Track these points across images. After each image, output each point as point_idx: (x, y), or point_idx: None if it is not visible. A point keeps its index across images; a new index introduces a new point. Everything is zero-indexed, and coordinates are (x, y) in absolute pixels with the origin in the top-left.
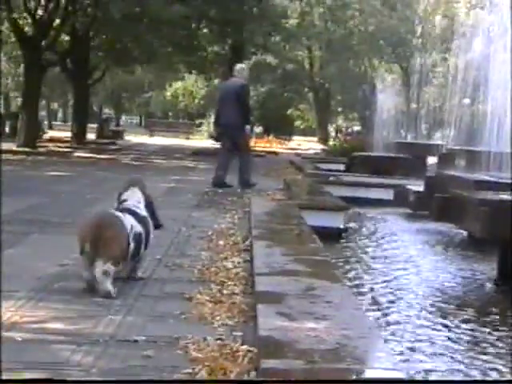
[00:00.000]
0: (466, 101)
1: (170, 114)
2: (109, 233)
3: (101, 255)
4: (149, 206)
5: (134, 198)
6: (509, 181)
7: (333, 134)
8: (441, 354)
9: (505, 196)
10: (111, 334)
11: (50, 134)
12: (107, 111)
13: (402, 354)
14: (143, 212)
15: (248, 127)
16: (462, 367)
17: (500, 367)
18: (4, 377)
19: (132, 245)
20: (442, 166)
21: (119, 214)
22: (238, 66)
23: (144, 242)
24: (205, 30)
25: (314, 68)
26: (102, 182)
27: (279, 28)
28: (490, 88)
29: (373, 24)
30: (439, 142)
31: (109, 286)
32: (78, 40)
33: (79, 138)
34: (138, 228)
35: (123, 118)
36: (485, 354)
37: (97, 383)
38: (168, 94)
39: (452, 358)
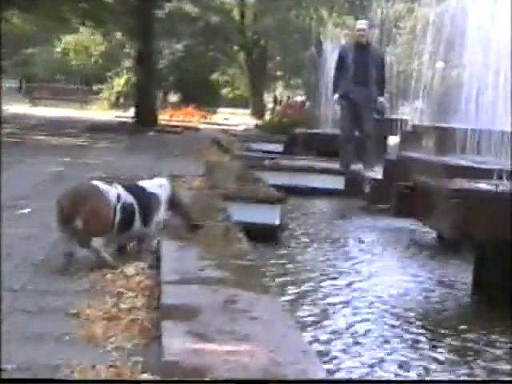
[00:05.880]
0: (439, 64)
1: (60, 76)
2: (86, 204)
3: (80, 228)
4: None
5: (155, 182)
6: (489, 166)
7: (270, 105)
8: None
9: (483, 185)
10: None
11: None
12: None
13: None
14: (154, 190)
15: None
16: None
17: None
18: (4, 376)
19: (118, 216)
20: (406, 146)
21: (99, 183)
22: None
23: (141, 216)
24: None
25: (246, 20)
26: None
27: None
28: (468, 48)
29: None
30: (403, 117)
31: (105, 255)
32: None
33: None
34: (129, 199)
35: None
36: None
37: (97, 383)
38: (56, 50)
39: None
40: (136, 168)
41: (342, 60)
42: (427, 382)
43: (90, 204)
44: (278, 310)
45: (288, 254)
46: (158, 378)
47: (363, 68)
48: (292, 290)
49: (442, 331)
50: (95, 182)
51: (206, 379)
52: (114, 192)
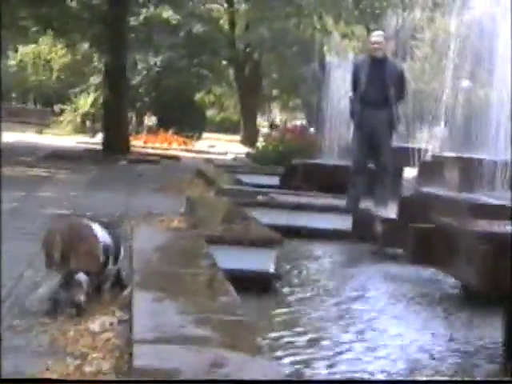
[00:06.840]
0: (465, 83)
1: (14, 95)
2: (82, 245)
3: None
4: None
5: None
6: None
7: (265, 130)
8: None
9: None
10: None
11: None
12: None
13: None
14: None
15: None
16: None
17: None
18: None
19: (102, 257)
20: (425, 180)
21: (90, 222)
22: None
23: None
24: None
25: (237, 30)
26: None
27: None
28: (499, 64)
29: None
30: (421, 145)
31: (81, 296)
32: None
33: None
34: (107, 239)
35: None
36: None
37: (97, 383)
38: (11, 63)
39: None
40: (105, 204)
41: (355, 78)
42: (427, 382)
43: (85, 244)
44: (274, 373)
45: (284, 309)
46: (157, 378)
47: (380, 87)
48: (289, 353)
49: None
50: (86, 221)
51: (207, 379)
52: (101, 232)
